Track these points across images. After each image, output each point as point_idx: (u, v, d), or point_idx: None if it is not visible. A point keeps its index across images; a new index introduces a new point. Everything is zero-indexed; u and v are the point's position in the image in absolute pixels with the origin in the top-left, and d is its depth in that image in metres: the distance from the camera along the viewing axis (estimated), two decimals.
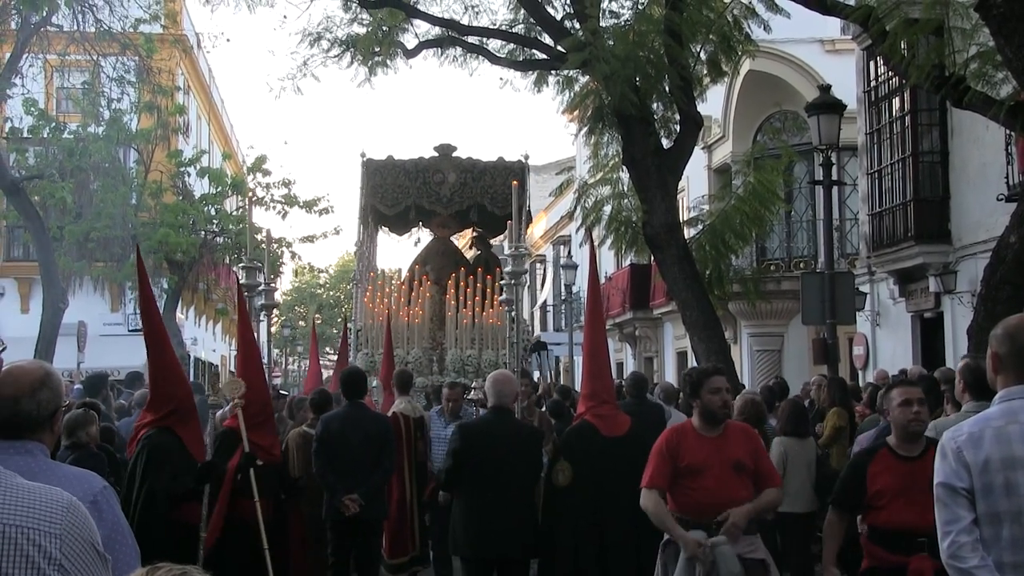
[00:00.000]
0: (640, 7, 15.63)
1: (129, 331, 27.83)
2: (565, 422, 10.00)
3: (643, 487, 5.89)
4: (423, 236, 17.68)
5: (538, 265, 40.35)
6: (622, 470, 7.31)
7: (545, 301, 37.38)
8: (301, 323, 64.03)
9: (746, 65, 19.68)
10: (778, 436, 9.12)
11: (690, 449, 5.81)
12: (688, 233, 17.25)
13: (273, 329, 8.62)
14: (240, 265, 9.55)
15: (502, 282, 11.10)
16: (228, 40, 51.56)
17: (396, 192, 15.99)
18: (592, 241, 9.13)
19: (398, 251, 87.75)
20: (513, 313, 10.03)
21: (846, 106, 15.56)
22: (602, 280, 26.68)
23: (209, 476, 6.96)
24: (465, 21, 17.75)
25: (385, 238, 18.01)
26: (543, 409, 10.98)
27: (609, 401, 7.75)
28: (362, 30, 17.62)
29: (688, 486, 5.78)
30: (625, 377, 11.60)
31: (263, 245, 13.54)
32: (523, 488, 7.33)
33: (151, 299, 6.97)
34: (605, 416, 7.56)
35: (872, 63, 17.09)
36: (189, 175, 29.96)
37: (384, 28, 17.29)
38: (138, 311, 27.83)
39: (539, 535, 7.52)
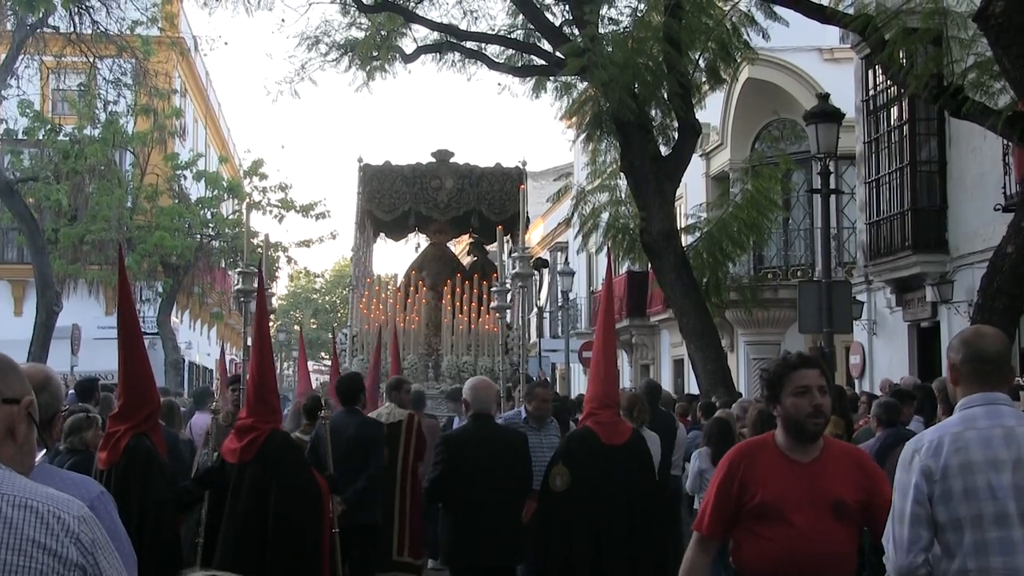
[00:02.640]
0: (639, 14, 15.68)
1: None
2: (565, 428, 10.03)
3: (693, 528, 4.35)
4: (422, 241, 17.70)
5: (535, 271, 40.36)
6: (620, 479, 7.33)
7: (541, 308, 37.38)
8: (296, 328, 63.98)
9: (745, 73, 19.74)
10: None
11: (768, 479, 4.07)
12: (686, 240, 17.30)
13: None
14: (237, 270, 9.55)
15: (494, 289, 11.08)
16: (226, 43, 51.57)
17: (393, 198, 15.99)
18: (609, 248, 9.08)
19: (394, 256, 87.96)
20: (508, 320, 10.05)
21: (844, 115, 15.59)
22: (599, 287, 26.68)
23: (211, 484, 6.97)
24: (464, 26, 17.83)
25: (381, 243, 18.01)
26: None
27: (612, 406, 7.73)
28: (360, 34, 17.69)
29: (763, 533, 4.04)
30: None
31: (260, 249, 13.57)
32: (510, 494, 7.36)
33: (130, 301, 6.91)
34: (606, 423, 7.56)
35: (871, 72, 17.14)
36: (185, 178, 29.99)
37: (383, 32, 17.36)
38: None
39: (528, 541, 7.54)
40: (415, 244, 17.84)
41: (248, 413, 7.11)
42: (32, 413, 2.42)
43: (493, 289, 11.47)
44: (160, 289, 28.35)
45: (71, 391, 12.11)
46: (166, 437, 8.70)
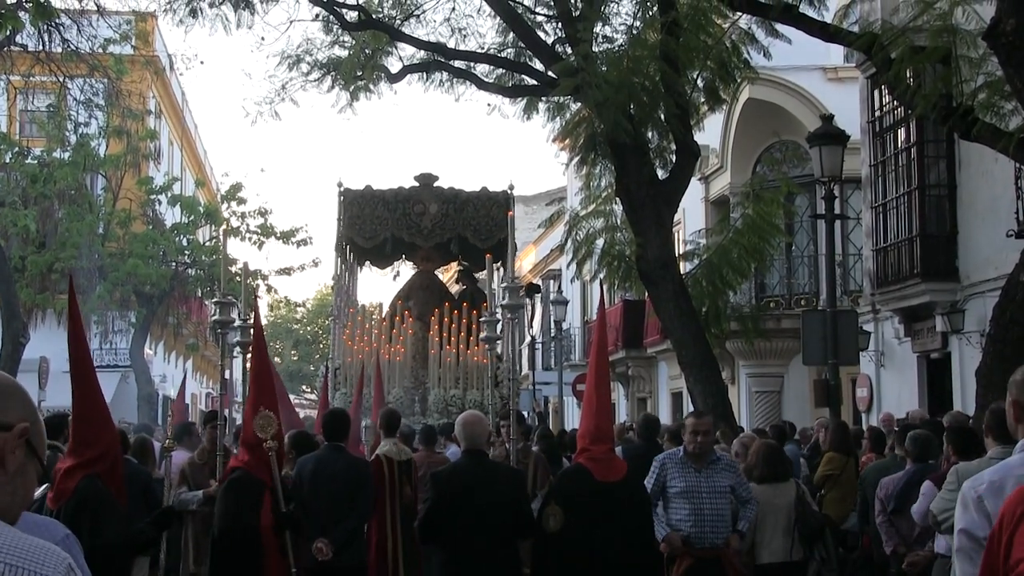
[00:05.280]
0: (635, 32, 15.74)
1: (95, 367, 27.72)
2: (558, 465, 10.04)
3: None
4: (403, 271, 17.72)
5: (527, 300, 40.35)
6: (615, 517, 7.31)
7: (534, 338, 37.40)
8: (277, 359, 63.78)
9: (745, 93, 19.83)
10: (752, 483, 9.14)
11: None
12: (684, 268, 17.30)
13: (248, 366, 8.58)
14: (214, 300, 9.49)
15: (482, 319, 11.05)
16: (202, 62, 51.68)
17: (374, 224, 15.98)
18: (600, 279, 9.10)
19: (380, 285, 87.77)
20: (499, 351, 10.02)
21: (849, 136, 15.65)
22: (594, 316, 26.68)
23: (170, 523, 6.91)
24: (452, 45, 17.89)
25: (366, 272, 17.99)
26: (537, 450, 10.94)
27: (605, 440, 7.70)
28: (344, 53, 17.72)
29: None
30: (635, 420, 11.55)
31: (238, 278, 13.52)
32: (505, 531, 7.33)
33: (81, 330, 6.84)
34: (599, 459, 7.54)
35: (876, 92, 17.20)
36: (160, 203, 29.99)
37: (367, 51, 17.39)
38: (101, 346, 27.84)
39: None
40: (397, 272, 17.84)
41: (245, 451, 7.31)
42: (32, 441, 2.32)
43: (482, 319, 11.46)
44: (133, 319, 28.28)
45: None
46: (139, 475, 8.65)
